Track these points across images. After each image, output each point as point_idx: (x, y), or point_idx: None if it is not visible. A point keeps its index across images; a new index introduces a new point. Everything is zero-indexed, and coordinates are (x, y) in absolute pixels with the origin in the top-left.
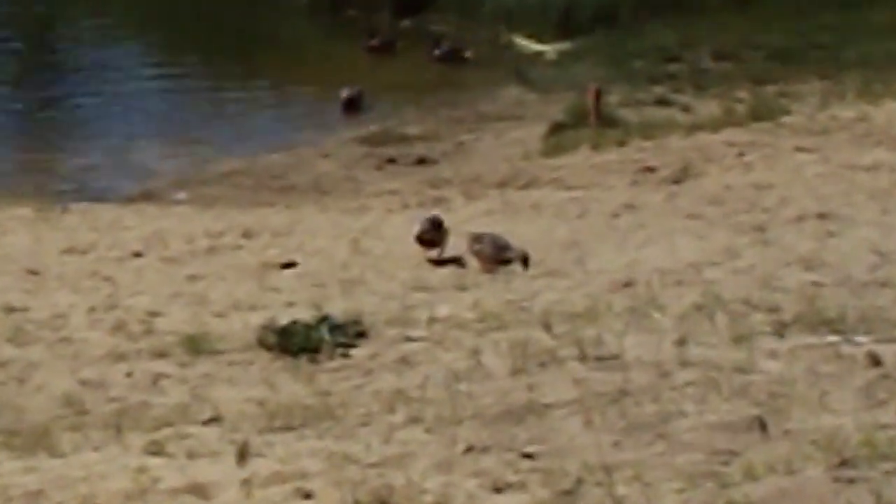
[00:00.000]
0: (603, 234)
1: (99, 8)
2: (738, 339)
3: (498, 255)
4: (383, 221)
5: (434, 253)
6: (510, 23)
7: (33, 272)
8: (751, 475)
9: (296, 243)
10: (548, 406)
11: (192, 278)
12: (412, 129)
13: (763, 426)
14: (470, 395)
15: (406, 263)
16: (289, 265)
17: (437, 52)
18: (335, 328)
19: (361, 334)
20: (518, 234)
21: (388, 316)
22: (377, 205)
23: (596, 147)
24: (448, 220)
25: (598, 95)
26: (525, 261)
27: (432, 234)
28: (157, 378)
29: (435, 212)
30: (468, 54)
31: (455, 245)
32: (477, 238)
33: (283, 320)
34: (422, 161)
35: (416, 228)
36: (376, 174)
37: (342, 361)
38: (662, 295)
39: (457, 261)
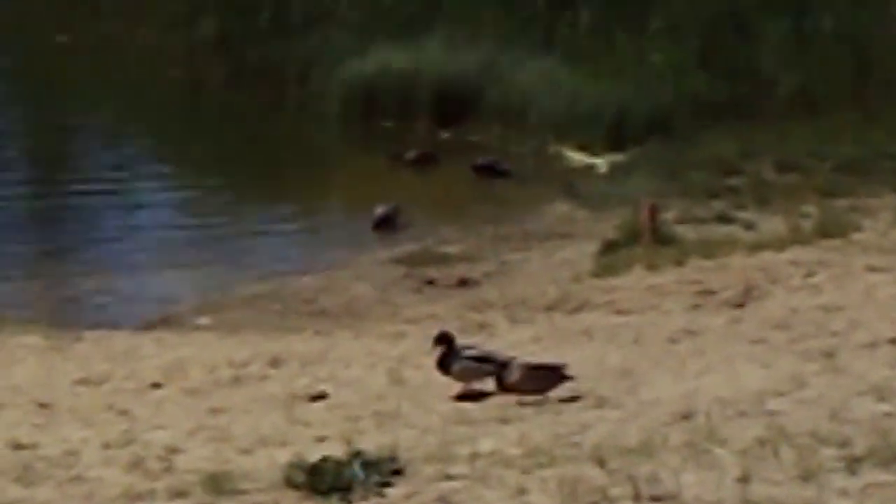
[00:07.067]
0: (659, 361)
1: (114, 120)
2: (806, 476)
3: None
4: (422, 348)
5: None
6: (558, 133)
7: (44, 405)
8: None
9: (327, 372)
10: None
11: (215, 411)
12: (452, 249)
13: None
14: None
15: (446, 394)
16: (319, 397)
17: None
18: (369, 465)
19: (397, 472)
20: (567, 362)
21: (426, 451)
22: (415, 330)
23: (651, 267)
24: (493, 346)
25: (654, 211)
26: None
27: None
28: None
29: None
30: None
31: None
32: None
33: (313, 457)
34: (463, 283)
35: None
36: (414, 297)
37: (376, 501)
38: (723, 428)
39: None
